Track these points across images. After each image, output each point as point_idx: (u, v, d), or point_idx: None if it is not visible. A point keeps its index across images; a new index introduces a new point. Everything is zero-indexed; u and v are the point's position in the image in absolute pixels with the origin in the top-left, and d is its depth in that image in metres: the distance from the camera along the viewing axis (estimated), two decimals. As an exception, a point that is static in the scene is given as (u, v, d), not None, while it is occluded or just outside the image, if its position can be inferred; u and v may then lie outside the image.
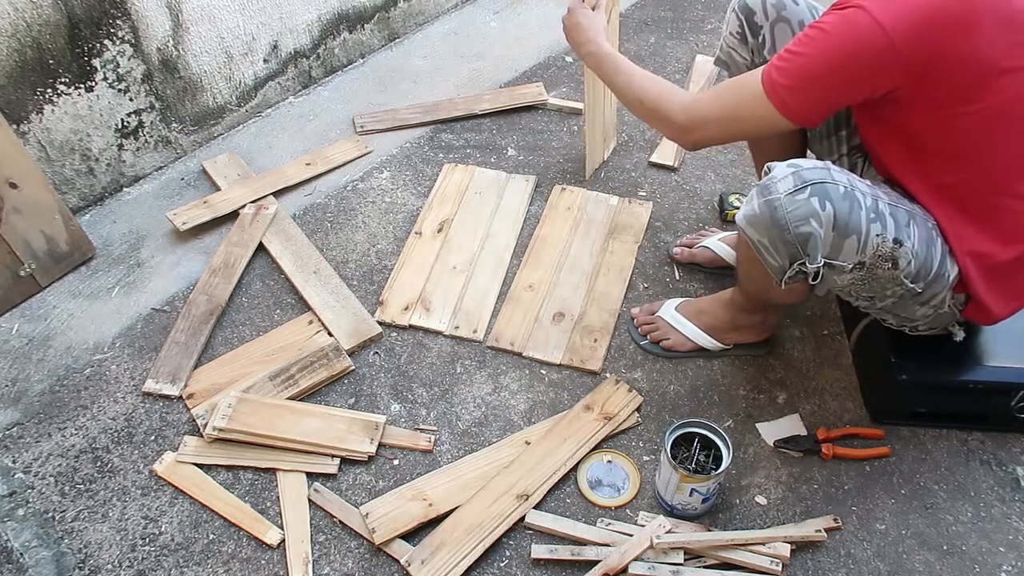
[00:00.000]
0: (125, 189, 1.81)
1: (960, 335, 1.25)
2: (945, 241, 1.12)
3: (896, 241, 1.06)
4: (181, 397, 1.40)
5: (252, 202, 1.74)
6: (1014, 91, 1.01)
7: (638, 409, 1.37)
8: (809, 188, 1.03)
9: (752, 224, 1.09)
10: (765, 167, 1.09)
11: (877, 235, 1.05)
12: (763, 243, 1.09)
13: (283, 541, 1.22)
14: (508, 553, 1.20)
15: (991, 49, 0.98)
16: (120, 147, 1.76)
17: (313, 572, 1.18)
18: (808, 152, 1.40)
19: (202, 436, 1.32)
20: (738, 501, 1.26)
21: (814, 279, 1.08)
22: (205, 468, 1.30)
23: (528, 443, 1.31)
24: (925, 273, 1.10)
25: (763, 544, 1.17)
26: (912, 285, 1.11)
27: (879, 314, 1.25)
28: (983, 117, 1.02)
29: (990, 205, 1.10)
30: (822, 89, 1.04)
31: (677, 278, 1.61)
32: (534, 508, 1.23)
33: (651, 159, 1.87)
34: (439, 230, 1.70)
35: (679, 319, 1.44)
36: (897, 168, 1.14)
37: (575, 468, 1.29)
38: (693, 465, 1.19)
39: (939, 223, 1.12)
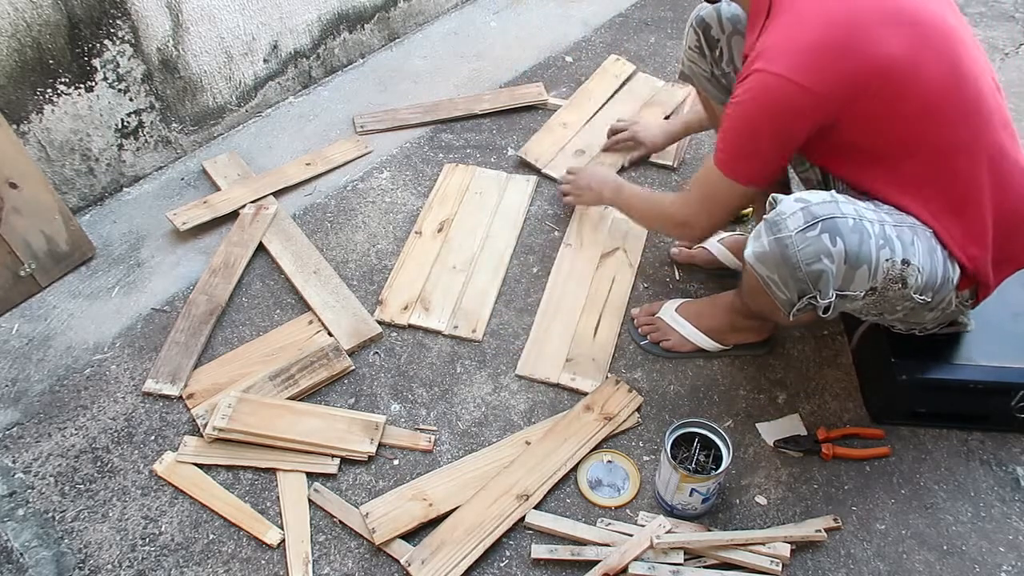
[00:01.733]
0: (125, 189, 1.81)
1: (971, 325, 1.25)
2: (943, 245, 1.11)
3: (904, 262, 1.06)
4: (181, 397, 1.40)
5: (252, 202, 1.74)
6: (933, 71, 1.03)
7: (638, 409, 1.37)
8: (820, 224, 1.02)
9: (762, 261, 1.08)
10: (770, 199, 1.08)
11: (887, 260, 1.05)
12: (773, 279, 1.09)
13: (283, 541, 1.22)
14: (508, 553, 1.20)
15: (893, 47, 1.01)
16: (120, 147, 1.76)
17: (313, 572, 1.18)
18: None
19: (202, 436, 1.32)
20: (738, 501, 1.26)
21: (824, 312, 1.08)
22: (205, 468, 1.30)
23: (528, 443, 1.31)
24: (932, 283, 1.10)
25: (763, 544, 1.17)
26: (921, 298, 1.11)
27: (889, 324, 1.25)
28: (917, 105, 1.04)
29: (957, 190, 1.10)
30: (765, 150, 1.12)
31: (677, 278, 1.61)
32: (534, 508, 1.23)
33: (651, 159, 1.86)
34: (439, 230, 1.70)
35: (679, 320, 1.44)
36: (867, 181, 1.14)
37: (575, 468, 1.29)
38: (693, 465, 1.19)
39: (931, 226, 1.11)
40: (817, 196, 1.05)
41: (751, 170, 1.15)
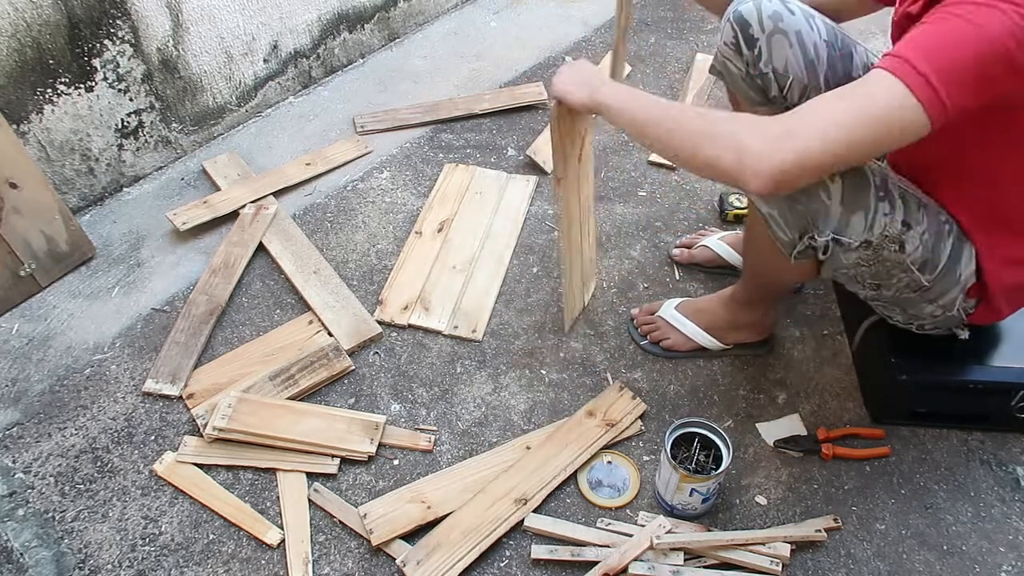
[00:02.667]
0: (125, 189, 1.82)
1: (965, 334, 1.25)
2: (962, 241, 1.10)
3: (904, 224, 1.06)
4: (181, 397, 1.40)
5: (252, 202, 1.74)
6: None
7: (641, 416, 1.36)
8: None
9: (764, 197, 1.09)
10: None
11: (885, 215, 1.05)
12: (773, 215, 1.09)
13: (283, 541, 1.22)
14: (508, 553, 1.20)
15: None
16: (120, 147, 1.76)
17: (313, 572, 1.18)
18: None
19: (202, 436, 1.32)
20: (738, 501, 1.26)
21: (824, 253, 1.09)
22: (205, 468, 1.30)
23: (528, 448, 1.31)
24: (932, 266, 1.09)
25: (763, 544, 1.16)
26: (919, 275, 1.10)
27: (886, 308, 1.23)
28: None
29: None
30: (970, 82, 0.87)
31: (677, 278, 1.61)
32: (533, 512, 1.22)
33: (650, 159, 1.87)
34: (439, 230, 1.70)
35: (679, 318, 1.44)
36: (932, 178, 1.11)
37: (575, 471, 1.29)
38: (693, 465, 1.19)
39: (964, 227, 1.11)
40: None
41: (950, 97, 0.86)
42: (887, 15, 1.18)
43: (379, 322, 1.52)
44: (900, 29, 1.11)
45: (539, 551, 1.18)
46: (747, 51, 1.22)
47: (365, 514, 1.21)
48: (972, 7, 0.87)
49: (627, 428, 1.34)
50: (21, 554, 1.20)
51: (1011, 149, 1.02)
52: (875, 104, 0.88)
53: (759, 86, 1.24)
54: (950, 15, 0.88)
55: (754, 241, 1.28)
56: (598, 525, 1.22)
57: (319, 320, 1.51)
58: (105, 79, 1.65)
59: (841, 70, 1.23)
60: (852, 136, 0.89)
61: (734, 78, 1.28)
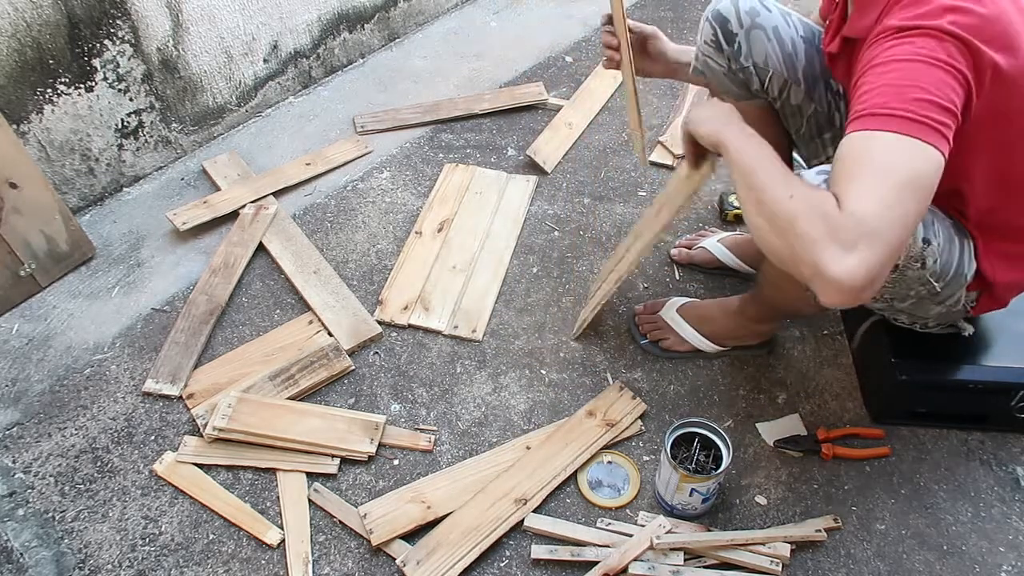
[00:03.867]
0: (125, 189, 1.81)
1: (969, 330, 1.25)
2: (964, 239, 1.10)
3: (925, 240, 1.05)
4: (181, 397, 1.40)
5: (252, 202, 1.74)
6: None
7: (641, 416, 1.36)
8: None
9: None
10: (795, 173, 1.00)
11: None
12: None
13: (283, 541, 1.22)
14: (508, 553, 1.20)
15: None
16: (120, 147, 1.76)
17: (313, 572, 1.18)
18: (795, 155, 1.41)
19: (202, 436, 1.32)
20: (738, 501, 1.26)
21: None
22: (205, 468, 1.30)
23: (528, 448, 1.31)
24: (947, 272, 1.09)
25: (763, 544, 1.16)
26: (934, 284, 1.10)
27: (893, 312, 1.23)
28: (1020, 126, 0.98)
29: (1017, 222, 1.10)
30: (925, 91, 0.87)
31: (677, 278, 1.61)
32: (533, 512, 1.22)
33: (650, 159, 1.87)
34: (439, 230, 1.70)
35: (679, 322, 1.44)
36: None
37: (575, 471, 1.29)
38: (693, 465, 1.19)
39: (963, 225, 1.11)
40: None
41: (944, 125, 0.86)
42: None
43: (379, 322, 1.52)
44: (833, 70, 1.17)
45: (539, 551, 1.18)
46: (727, 46, 1.27)
47: (365, 514, 1.21)
48: (891, 53, 0.89)
49: (627, 428, 1.34)
50: (21, 554, 1.20)
51: (997, 156, 1.01)
52: (904, 173, 0.84)
53: (741, 80, 1.29)
54: (876, 65, 0.90)
55: (770, 274, 1.24)
56: (598, 525, 1.22)
57: (319, 320, 1.51)
58: (105, 79, 1.65)
59: (818, 66, 1.26)
60: (911, 222, 0.86)
61: (716, 75, 1.32)
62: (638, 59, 1.38)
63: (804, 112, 1.29)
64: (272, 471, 1.30)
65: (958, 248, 1.10)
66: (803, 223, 0.85)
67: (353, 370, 1.44)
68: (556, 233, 1.71)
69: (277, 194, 1.78)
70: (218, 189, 1.80)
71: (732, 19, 1.25)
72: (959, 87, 0.88)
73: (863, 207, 0.83)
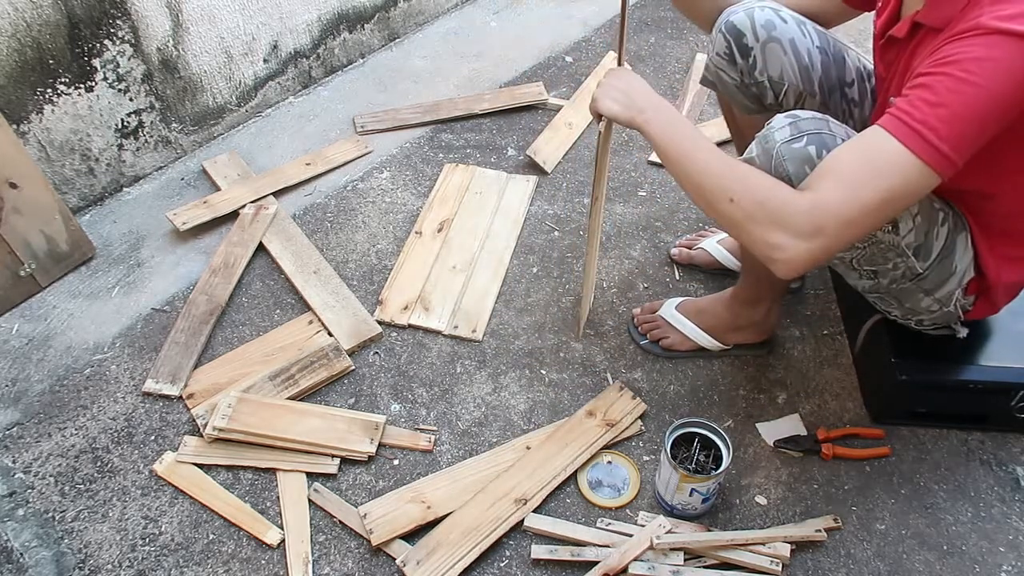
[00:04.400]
0: (125, 189, 1.81)
1: (963, 332, 1.25)
2: (957, 231, 1.10)
3: None
4: (181, 397, 1.40)
5: (252, 202, 1.74)
6: None
7: (641, 417, 1.36)
8: (806, 137, 1.01)
9: None
10: (767, 123, 1.05)
11: None
12: None
13: (283, 541, 1.22)
14: (508, 553, 1.20)
15: None
16: (120, 147, 1.76)
17: (313, 572, 1.18)
18: None
19: (202, 436, 1.32)
20: (738, 501, 1.26)
21: None
22: (205, 468, 1.30)
23: (528, 448, 1.31)
24: (927, 252, 1.09)
25: (763, 544, 1.16)
26: (914, 261, 1.09)
27: (884, 301, 1.22)
28: None
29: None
30: (988, 132, 0.89)
31: (677, 278, 1.61)
32: (533, 512, 1.22)
33: (650, 159, 1.87)
34: (439, 230, 1.70)
35: (679, 318, 1.44)
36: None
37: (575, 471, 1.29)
38: (693, 465, 1.19)
39: (963, 217, 1.11)
40: (807, 114, 1.04)
41: (962, 156, 0.88)
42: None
43: (379, 322, 1.52)
44: (884, 52, 1.12)
45: (539, 551, 1.18)
46: (741, 60, 1.22)
47: (365, 514, 1.21)
48: (973, 62, 0.87)
49: (627, 428, 1.34)
50: (21, 554, 1.20)
51: (1009, 169, 1.02)
52: (893, 182, 0.89)
53: (754, 94, 1.25)
54: (950, 74, 0.88)
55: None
56: (598, 525, 1.22)
57: (319, 320, 1.51)
58: (105, 79, 1.65)
59: (835, 75, 1.24)
60: (879, 217, 0.92)
61: (728, 88, 1.28)
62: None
63: None
64: (272, 471, 1.30)
65: (944, 234, 1.09)
66: (749, 225, 0.95)
67: (353, 370, 1.44)
68: (556, 233, 1.71)
69: (277, 194, 1.78)
70: (218, 189, 1.80)
71: (747, 32, 1.20)
72: (1021, 97, 0.86)
73: (827, 204, 0.91)
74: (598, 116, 1.17)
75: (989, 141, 0.90)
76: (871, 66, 1.26)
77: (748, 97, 1.26)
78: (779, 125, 1.03)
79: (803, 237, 0.91)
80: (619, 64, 1.22)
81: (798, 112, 1.04)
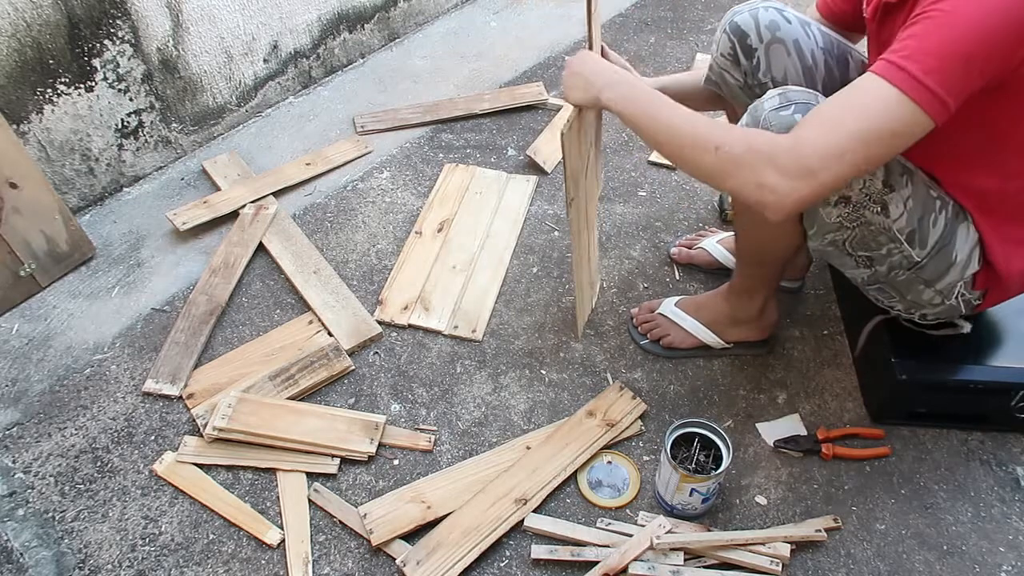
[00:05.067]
0: (125, 189, 1.82)
1: (966, 327, 1.24)
2: (958, 221, 1.09)
3: (887, 185, 1.04)
4: (181, 397, 1.40)
5: (252, 202, 1.74)
6: None
7: (641, 417, 1.36)
8: (793, 106, 1.02)
9: None
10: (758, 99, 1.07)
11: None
12: None
13: (283, 541, 1.22)
14: (508, 553, 1.20)
15: None
16: (120, 147, 1.76)
17: (313, 572, 1.18)
18: None
19: (202, 436, 1.32)
20: (738, 501, 1.26)
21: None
22: (205, 468, 1.30)
23: (529, 448, 1.31)
24: (922, 239, 1.08)
25: (763, 544, 1.16)
26: (909, 249, 1.09)
27: (886, 293, 1.21)
28: None
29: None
30: (974, 76, 0.87)
31: (677, 278, 1.61)
32: (533, 512, 1.22)
33: (650, 159, 1.87)
34: (439, 230, 1.70)
35: (679, 315, 1.44)
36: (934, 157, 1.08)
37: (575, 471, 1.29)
38: (693, 465, 1.19)
39: (967, 211, 1.10)
40: (798, 88, 1.05)
41: (952, 95, 0.86)
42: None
43: (379, 322, 1.52)
44: (877, 21, 1.11)
45: (539, 551, 1.18)
46: (745, 61, 1.23)
47: (365, 514, 1.21)
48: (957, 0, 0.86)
49: (627, 428, 1.34)
50: (21, 554, 1.20)
51: (1014, 131, 1.00)
52: (876, 117, 0.88)
53: (757, 95, 1.24)
54: (933, 14, 0.87)
55: (741, 216, 1.26)
56: (598, 525, 1.22)
57: (319, 320, 1.51)
58: (105, 79, 1.65)
59: (839, 76, 1.24)
60: (865, 154, 0.90)
61: (731, 88, 1.29)
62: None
63: None
64: (272, 471, 1.30)
65: (942, 222, 1.08)
66: (736, 170, 0.94)
67: (353, 370, 1.44)
68: (556, 233, 1.71)
69: (277, 194, 1.78)
70: (218, 189, 1.80)
71: (752, 33, 1.21)
72: (1011, 40, 0.85)
73: (808, 138, 0.90)
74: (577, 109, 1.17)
75: (988, 102, 0.90)
76: None
77: (752, 98, 1.26)
78: (769, 96, 1.05)
79: (790, 175, 0.90)
80: (590, 48, 1.21)
81: (789, 87, 1.05)
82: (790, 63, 1.20)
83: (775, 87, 1.19)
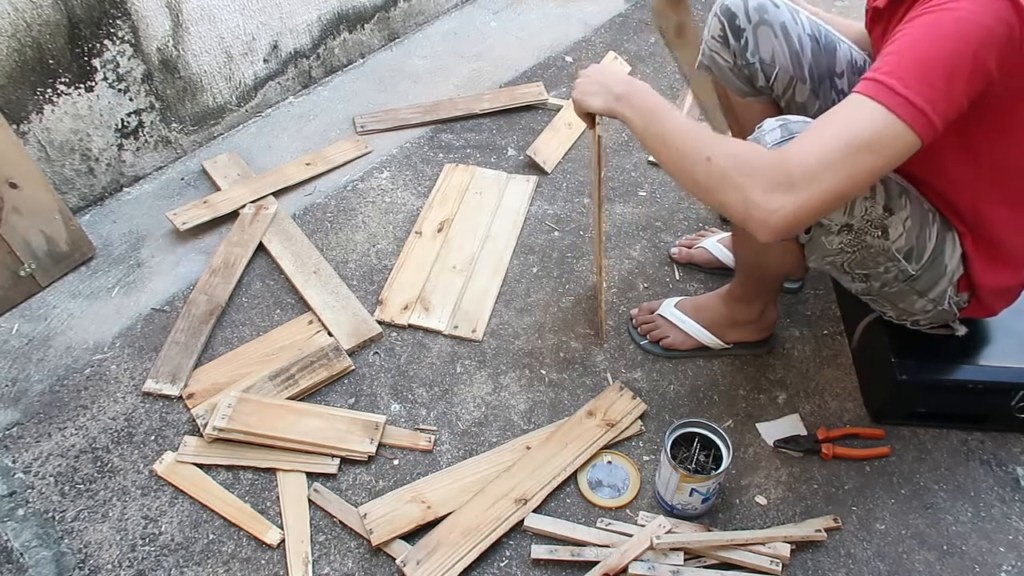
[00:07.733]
0: (125, 189, 1.82)
1: (961, 330, 1.25)
2: (946, 230, 1.11)
3: (887, 209, 1.05)
4: (181, 397, 1.40)
5: (252, 202, 1.74)
6: None
7: (641, 417, 1.36)
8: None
9: None
10: (757, 126, 1.07)
11: (866, 199, 1.04)
12: None
13: (283, 541, 1.21)
14: (508, 553, 1.20)
15: None
16: (120, 147, 1.76)
17: (313, 572, 1.18)
18: None
19: (202, 436, 1.32)
20: (738, 501, 1.26)
21: (805, 233, 1.09)
22: (205, 468, 1.30)
23: (528, 448, 1.31)
24: (919, 254, 1.09)
25: (763, 544, 1.16)
26: (906, 264, 1.10)
27: (878, 303, 1.23)
28: None
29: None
30: (957, 92, 0.87)
31: (677, 278, 1.61)
32: (533, 512, 1.22)
33: (650, 159, 1.87)
34: (439, 230, 1.70)
35: (679, 316, 1.44)
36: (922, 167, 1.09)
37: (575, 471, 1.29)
38: (693, 465, 1.19)
39: (949, 220, 1.11)
40: (797, 117, 1.06)
41: (937, 113, 0.86)
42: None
43: (379, 322, 1.52)
44: (872, 26, 1.15)
45: (539, 551, 1.18)
46: (734, 42, 1.28)
47: (365, 514, 1.21)
48: (939, 12, 0.86)
49: (627, 428, 1.34)
50: (21, 554, 1.20)
51: (994, 145, 1.01)
52: (863, 136, 0.87)
53: (746, 76, 1.30)
54: (914, 28, 0.88)
55: (740, 232, 1.28)
56: (598, 525, 1.22)
57: (319, 320, 1.51)
58: (105, 79, 1.65)
59: (825, 64, 1.27)
60: (849, 171, 0.88)
61: (722, 70, 1.33)
62: None
63: (809, 110, 1.29)
64: (272, 471, 1.30)
65: (935, 234, 1.10)
66: (725, 183, 0.93)
67: (353, 370, 1.44)
68: (556, 233, 1.71)
69: (277, 194, 1.78)
70: (218, 189, 1.80)
71: (740, 14, 1.25)
72: (991, 56, 0.85)
73: (792, 154, 0.89)
74: (587, 118, 1.20)
75: (973, 121, 0.90)
76: (864, 61, 1.28)
77: (741, 79, 1.31)
78: (769, 128, 1.05)
79: (773, 189, 0.89)
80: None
81: (788, 116, 1.06)
82: (777, 45, 1.24)
83: (762, 68, 1.25)
